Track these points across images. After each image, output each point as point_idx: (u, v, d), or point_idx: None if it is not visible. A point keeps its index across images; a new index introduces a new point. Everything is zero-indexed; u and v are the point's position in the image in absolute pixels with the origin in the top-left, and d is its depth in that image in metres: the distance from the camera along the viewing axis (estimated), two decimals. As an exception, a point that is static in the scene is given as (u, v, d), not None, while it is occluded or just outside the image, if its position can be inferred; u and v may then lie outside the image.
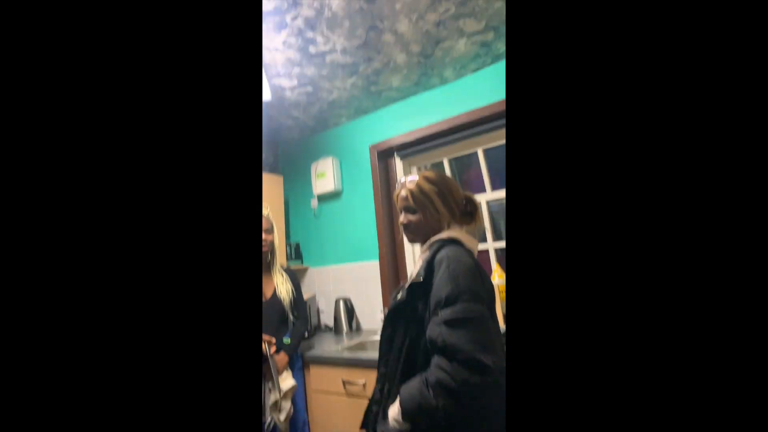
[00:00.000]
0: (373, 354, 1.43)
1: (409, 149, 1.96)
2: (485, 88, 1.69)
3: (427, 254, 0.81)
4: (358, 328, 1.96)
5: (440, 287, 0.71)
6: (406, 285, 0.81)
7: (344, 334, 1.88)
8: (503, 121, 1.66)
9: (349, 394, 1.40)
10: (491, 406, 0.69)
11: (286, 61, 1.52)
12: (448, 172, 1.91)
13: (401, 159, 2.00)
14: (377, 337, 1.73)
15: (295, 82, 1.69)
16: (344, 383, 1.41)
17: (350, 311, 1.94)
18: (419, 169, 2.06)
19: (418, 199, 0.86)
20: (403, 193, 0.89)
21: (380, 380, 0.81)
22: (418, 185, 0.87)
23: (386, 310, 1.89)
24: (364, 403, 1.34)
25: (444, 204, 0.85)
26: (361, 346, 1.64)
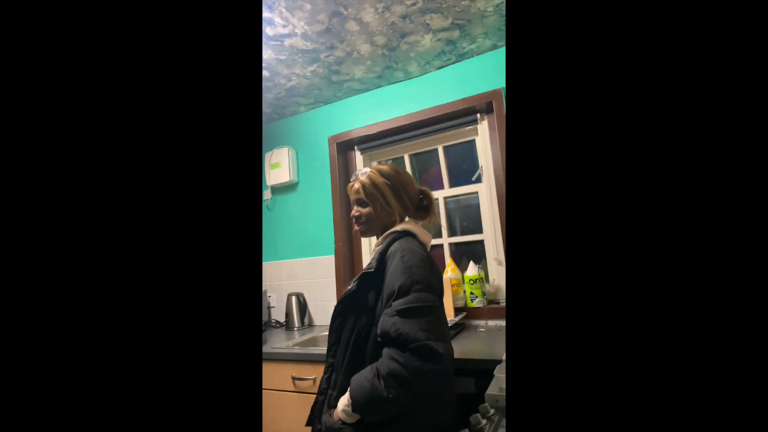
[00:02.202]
0: (324, 349, 1.40)
1: (370, 143, 1.94)
2: (449, 85, 1.71)
3: (381, 246, 0.81)
4: (311, 324, 1.90)
5: (394, 278, 0.71)
6: (357, 275, 0.80)
7: (296, 329, 1.82)
8: (465, 119, 1.70)
9: (299, 390, 1.36)
10: (440, 394, 0.70)
11: (242, 39, 1.43)
12: (408, 167, 1.92)
13: (361, 153, 1.98)
14: (330, 333, 1.70)
15: (251, 64, 1.59)
16: (294, 379, 1.36)
17: (303, 306, 1.88)
18: (379, 164, 2.05)
19: (370, 191, 0.86)
20: (356, 185, 0.89)
21: (327, 370, 0.80)
22: (370, 178, 0.87)
23: (340, 305, 1.85)
24: (314, 398, 1.32)
25: (396, 198, 0.86)
26: (313, 341, 1.60)
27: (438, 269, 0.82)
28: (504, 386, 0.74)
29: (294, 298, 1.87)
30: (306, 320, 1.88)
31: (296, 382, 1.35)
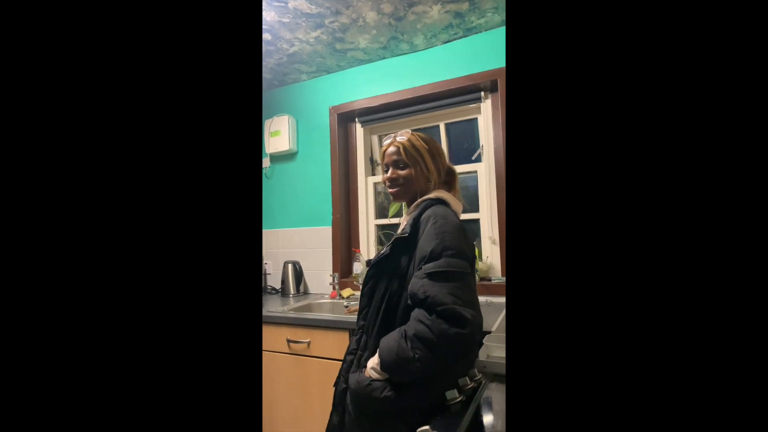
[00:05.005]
0: (319, 314, 1.45)
1: (371, 115, 1.92)
2: (454, 61, 1.69)
3: (415, 212, 0.81)
4: (306, 292, 1.95)
5: (426, 243, 0.72)
6: (391, 240, 0.81)
7: (291, 296, 1.87)
8: (468, 97, 1.69)
9: (293, 352, 1.42)
10: (465, 358, 0.72)
11: (245, -1, 1.38)
12: (407, 143, 1.91)
13: (362, 125, 1.96)
14: (324, 300, 1.75)
15: (253, 26, 1.55)
16: (289, 342, 1.42)
17: (298, 274, 1.93)
18: (379, 137, 2.04)
19: (411, 153, 0.85)
20: (392, 148, 0.87)
21: (357, 332, 0.82)
22: (410, 141, 0.86)
23: (337, 276, 1.89)
24: (308, 360, 1.38)
25: (433, 163, 0.86)
26: (307, 308, 1.65)
27: (470, 237, 0.82)
28: (491, 353, 0.79)
29: (290, 266, 1.91)
30: (301, 288, 1.93)
31: (291, 344, 1.41)
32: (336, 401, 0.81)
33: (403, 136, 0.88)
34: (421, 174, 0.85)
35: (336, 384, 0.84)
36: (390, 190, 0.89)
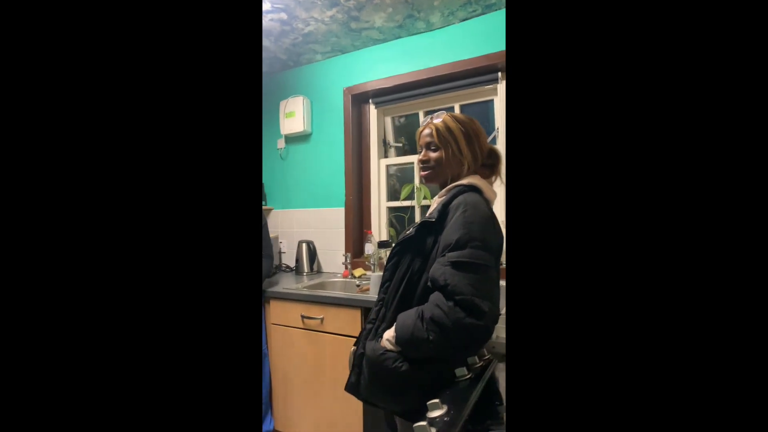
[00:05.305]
0: (332, 292, 1.50)
1: (385, 96, 1.90)
2: (472, 40, 1.64)
3: (445, 197, 0.81)
4: (319, 270, 2.00)
5: (452, 231, 0.73)
6: (418, 222, 0.82)
7: (305, 274, 1.92)
8: (485, 78, 1.65)
9: (307, 327, 1.48)
10: (477, 349, 0.75)
11: (261, -24, 1.36)
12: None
13: (375, 106, 1.95)
14: (337, 279, 1.79)
15: (267, 5, 1.53)
16: (303, 317, 1.47)
17: (312, 253, 1.97)
18: (393, 119, 2.03)
19: (443, 135, 0.84)
20: (427, 130, 0.87)
21: (378, 304, 0.85)
22: (444, 122, 0.85)
23: (349, 256, 1.92)
24: (321, 336, 1.44)
25: (468, 145, 0.84)
26: (321, 286, 1.70)
27: (500, 228, 0.81)
28: (500, 335, 0.82)
29: (304, 245, 1.96)
30: (315, 267, 1.98)
31: (305, 320, 1.47)
32: (354, 362, 0.85)
33: (438, 118, 0.86)
34: (453, 157, 0.84)
35: (356, 345, 0.87)
36: (422, 172, 0.89)
